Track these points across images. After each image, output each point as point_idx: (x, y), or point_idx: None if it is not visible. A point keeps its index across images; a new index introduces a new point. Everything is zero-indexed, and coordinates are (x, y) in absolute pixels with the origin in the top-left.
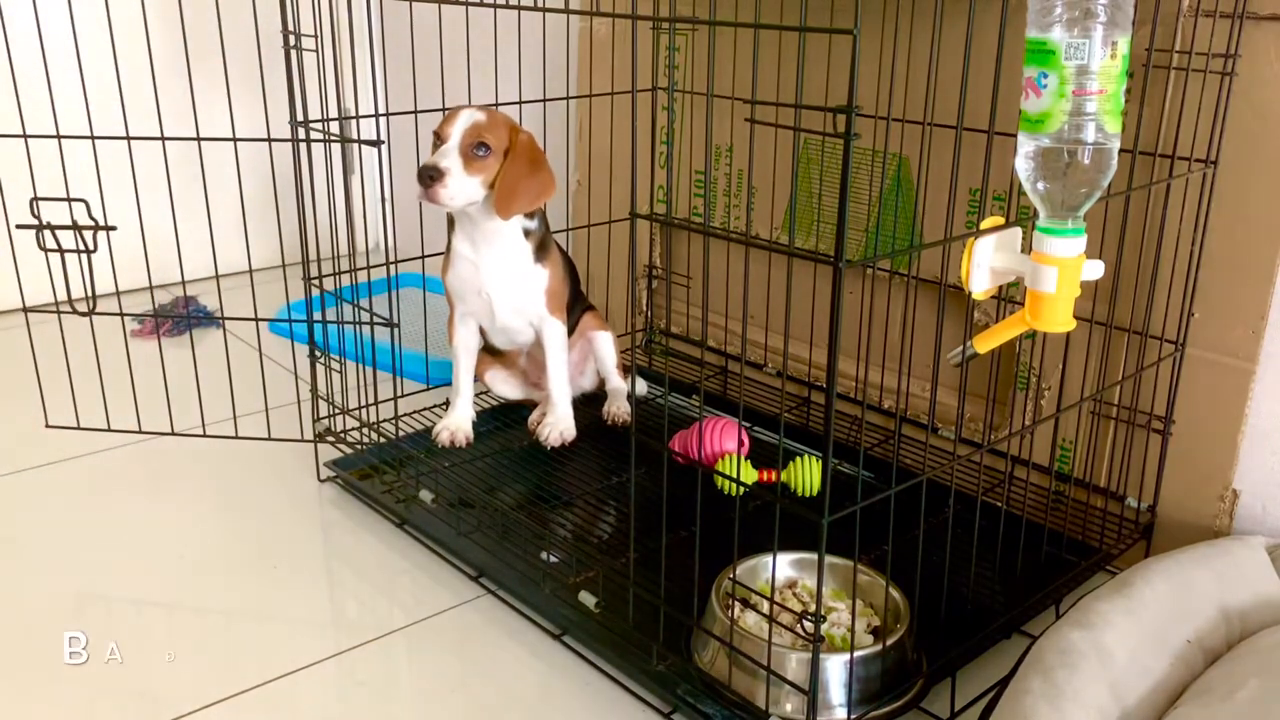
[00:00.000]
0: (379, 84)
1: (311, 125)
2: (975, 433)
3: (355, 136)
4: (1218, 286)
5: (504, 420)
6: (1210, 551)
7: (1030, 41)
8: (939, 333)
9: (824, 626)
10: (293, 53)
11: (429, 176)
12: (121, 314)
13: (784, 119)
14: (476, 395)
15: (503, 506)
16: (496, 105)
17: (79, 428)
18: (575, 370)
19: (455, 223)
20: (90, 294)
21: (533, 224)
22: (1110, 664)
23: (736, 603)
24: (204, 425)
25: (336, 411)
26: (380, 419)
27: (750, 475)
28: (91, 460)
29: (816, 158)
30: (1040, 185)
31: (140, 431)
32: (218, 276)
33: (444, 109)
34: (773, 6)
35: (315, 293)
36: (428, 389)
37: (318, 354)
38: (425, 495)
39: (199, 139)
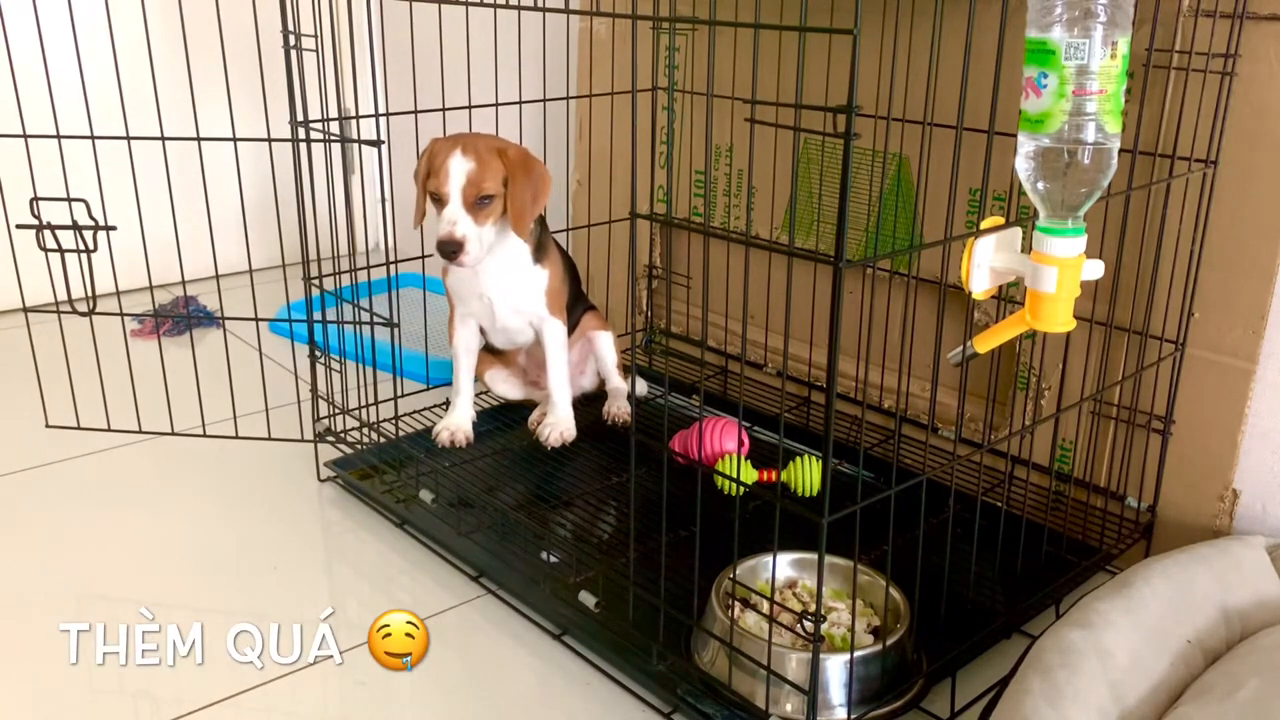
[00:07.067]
0: (379, 84)
1: (311, 125)
2: (975, 433)
3: (355, 136)
4: (1218, 286)
5: (504, 420)
6: (1210, 551)
7: (1030, 41)
8: (939, 333)
9: (824, 626)
10: (293, 53)
11: (451, 252)
12: (121, 314)
13: (784, 119)
14: (476, 395)
15: (503, 506)
16: (496, 104)
17: (79, 428)
18: (575, 370)
19: None
20: (90, 294)
21: (530, 226)
22: (1110, 664)
23: (736, 603)
24: (204, 425)
25: (336, 411)
26: (380, 419)
27: (750, 475)
28: (91, 460)
29: (816, 158)
30: (1040, 185)
31: (140, 431)
32: (218, 276)
33: (444, 109)
34: (773, 6)
35: (315, 293)
36: (428, 389)
37: (318, 354)
38: (425, 495)
39: (199, 139)
